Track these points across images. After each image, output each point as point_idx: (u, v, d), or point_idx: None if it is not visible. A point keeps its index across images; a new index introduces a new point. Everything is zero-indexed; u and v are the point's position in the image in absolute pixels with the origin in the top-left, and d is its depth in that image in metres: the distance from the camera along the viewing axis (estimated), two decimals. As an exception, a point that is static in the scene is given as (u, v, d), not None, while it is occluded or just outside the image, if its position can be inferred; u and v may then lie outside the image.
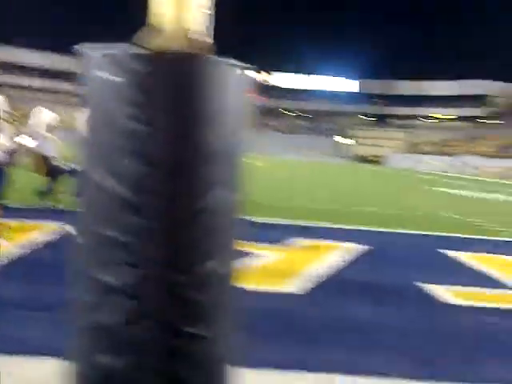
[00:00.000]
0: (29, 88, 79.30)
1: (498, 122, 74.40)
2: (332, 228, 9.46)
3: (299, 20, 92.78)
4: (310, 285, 5.53)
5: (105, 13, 76.37)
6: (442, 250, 7.98)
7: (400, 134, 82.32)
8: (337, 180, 27.87)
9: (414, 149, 77.07)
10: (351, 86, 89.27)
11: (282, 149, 70.55)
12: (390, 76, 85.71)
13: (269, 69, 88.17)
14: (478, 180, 41.81)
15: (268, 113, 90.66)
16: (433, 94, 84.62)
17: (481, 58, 78.56)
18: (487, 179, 45.03)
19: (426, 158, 67.96)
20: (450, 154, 67.39)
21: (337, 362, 3.71)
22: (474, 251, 8.09)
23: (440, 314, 4.99)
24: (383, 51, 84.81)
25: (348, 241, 7.95)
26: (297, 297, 5.18)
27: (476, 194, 23.61)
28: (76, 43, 2.21)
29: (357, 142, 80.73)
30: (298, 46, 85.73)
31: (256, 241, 6.68)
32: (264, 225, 8.63)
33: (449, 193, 23.76)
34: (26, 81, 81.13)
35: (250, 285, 4.44)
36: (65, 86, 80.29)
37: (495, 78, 78.16)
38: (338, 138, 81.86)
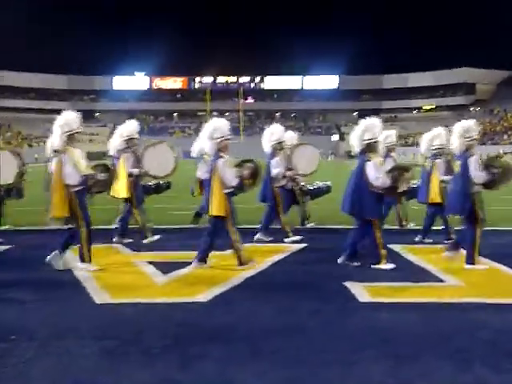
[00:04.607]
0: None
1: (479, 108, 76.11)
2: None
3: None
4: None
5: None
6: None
7: (388, 128, 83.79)
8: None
9: (402, 141, 78.69)
10: (343, 83, 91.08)
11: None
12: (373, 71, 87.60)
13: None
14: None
15: (260, 115, 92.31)
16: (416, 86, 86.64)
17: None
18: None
19: (414, 149, 69.45)
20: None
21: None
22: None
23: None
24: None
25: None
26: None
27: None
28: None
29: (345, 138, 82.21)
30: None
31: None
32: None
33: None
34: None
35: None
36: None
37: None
38: (334, 136, 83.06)
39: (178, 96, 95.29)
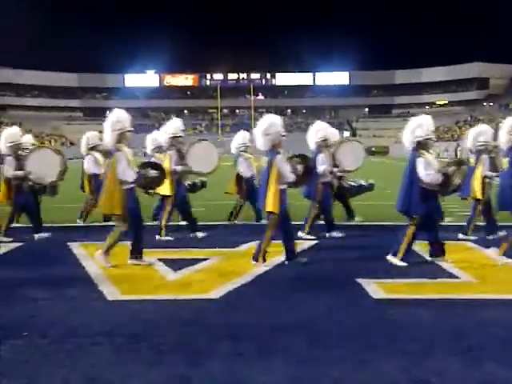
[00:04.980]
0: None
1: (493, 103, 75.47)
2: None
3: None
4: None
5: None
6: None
7: (400, 124, 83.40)
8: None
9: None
10: (354, 78, 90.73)
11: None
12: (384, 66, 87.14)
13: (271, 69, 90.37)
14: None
15: (270, 112, 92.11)
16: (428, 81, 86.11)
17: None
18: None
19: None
20: (450, 140, 68.46)
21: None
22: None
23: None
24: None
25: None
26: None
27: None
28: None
29: (358, 134, 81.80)
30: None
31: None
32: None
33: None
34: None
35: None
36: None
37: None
38: (346, 133, 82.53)
39: (189, 93, 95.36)
